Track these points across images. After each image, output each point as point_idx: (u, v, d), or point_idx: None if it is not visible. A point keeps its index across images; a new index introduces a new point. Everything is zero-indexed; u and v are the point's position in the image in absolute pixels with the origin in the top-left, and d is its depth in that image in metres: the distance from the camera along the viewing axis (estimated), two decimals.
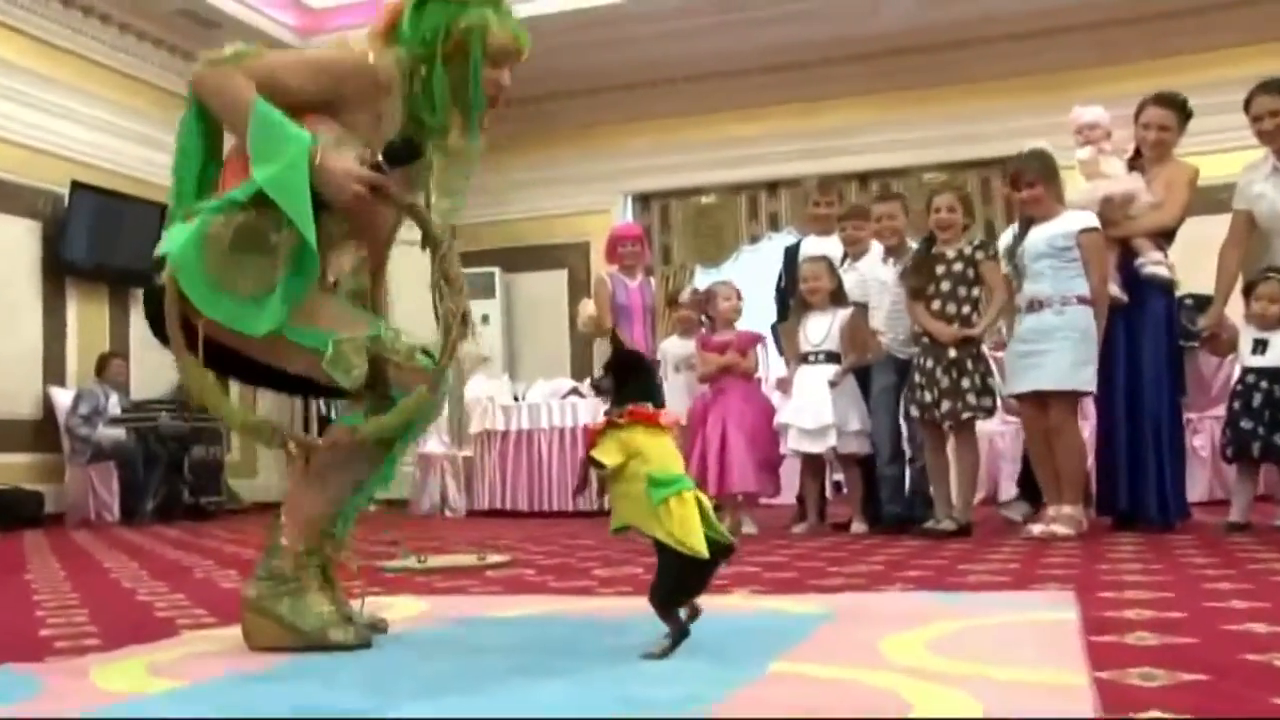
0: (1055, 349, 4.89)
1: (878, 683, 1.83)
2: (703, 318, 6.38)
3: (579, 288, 10.77)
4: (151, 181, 9.94)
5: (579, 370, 10.57)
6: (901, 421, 5.53)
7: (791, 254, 6.55)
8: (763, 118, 10.86)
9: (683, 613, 2.17)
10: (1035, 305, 4.96)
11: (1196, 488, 6.85)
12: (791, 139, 10.66)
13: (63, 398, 9.10)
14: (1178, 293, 6.69)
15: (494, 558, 4.47)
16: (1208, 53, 9.09)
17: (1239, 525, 4.82)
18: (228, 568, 4.61)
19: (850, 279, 5.82)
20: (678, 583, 2.15)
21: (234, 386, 2.75)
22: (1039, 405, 5.01)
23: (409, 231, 2.52)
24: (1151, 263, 5.06)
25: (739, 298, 6.08)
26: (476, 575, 4.00)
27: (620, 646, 2.22)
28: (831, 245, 6.13)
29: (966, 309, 5.14)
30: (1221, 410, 5.52)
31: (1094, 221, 4.93)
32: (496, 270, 11.24)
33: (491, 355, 10.93)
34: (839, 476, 6.55)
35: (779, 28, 9.95)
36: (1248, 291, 5.03)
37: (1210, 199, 5.32)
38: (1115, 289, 5.03)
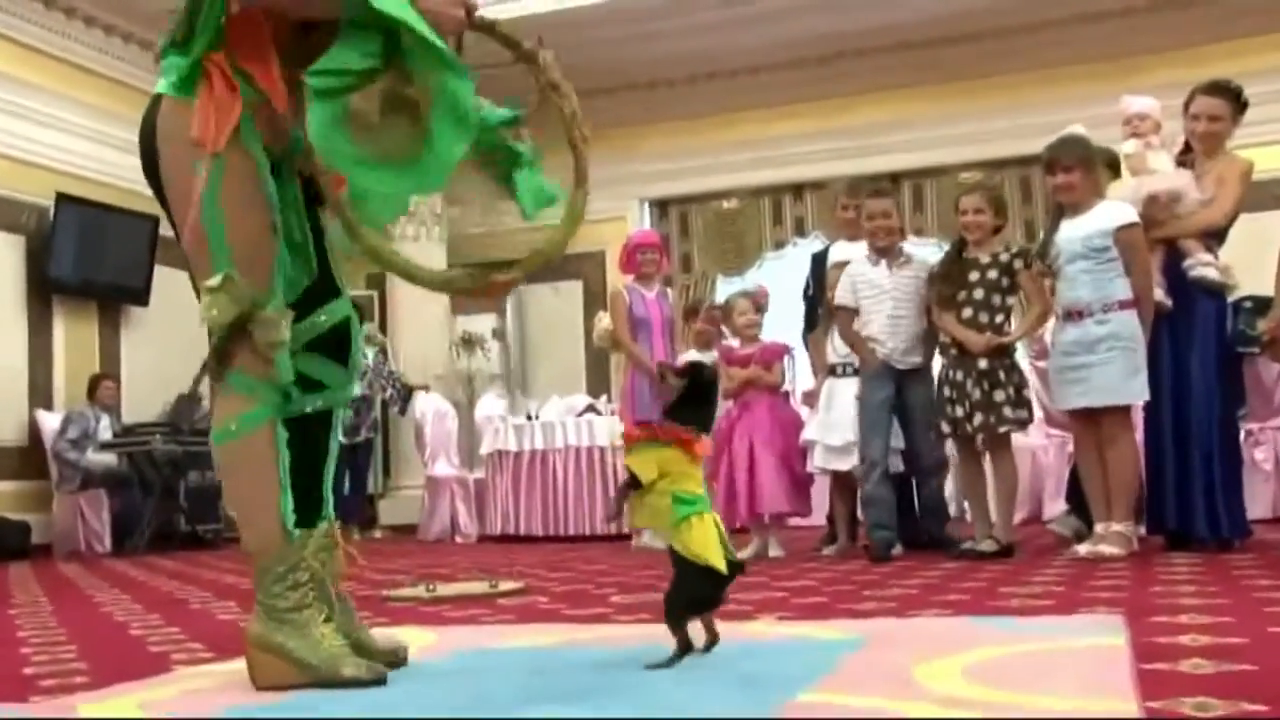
0: (1102, 361, 4.86)
1: (910, 713, 1.82)
2: (724, 330, 6.38)
3: (594, 299, 10.79)
4: (141, 193, 9.94)
5: (595, 387, 10.59)
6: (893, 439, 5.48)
7: (819, 260, 6.52)
8: (787, 117, 10.89)
9: (701, 638, 2.39)
10: (1075, 314, 4.94)
11: (1259, 503, 6.81)
12: (818, 139, 10.69)
13: (50, 422, 9.15)
14: (1236, 294, 6.68)
15: (506, 585, 4.48)
16: (1264, 36, 9.05)
17: None
18: (226, 599, 4.63)
19: (841, 282, 5.66)
20: (690, 596, 2.39)
21: None
22: (1090, 419, 5.00)
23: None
24: (1200, 264, 5.03)
25: (758, 309, 6.03)
26: (488, 604, 4.01)
27: (638, 675, 2.22)
28: (861, 250, 6.11)
29: (1000, 319, 5.14)
30: None
31: (1131, 216, 4.91)
32: None
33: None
34: None
35: (803, 21, 9.95)
36: None
37: (1269, 194, 5.28)
38: (1160, 294, 5.01)
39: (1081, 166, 4.97)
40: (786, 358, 6.01)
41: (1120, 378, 4.87)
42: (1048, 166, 5.08)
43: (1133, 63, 9.29)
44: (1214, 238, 5.15)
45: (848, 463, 5.60)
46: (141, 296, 10.06)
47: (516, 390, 10.58)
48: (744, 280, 10.81)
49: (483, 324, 11.14)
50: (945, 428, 5.21)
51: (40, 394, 9.39)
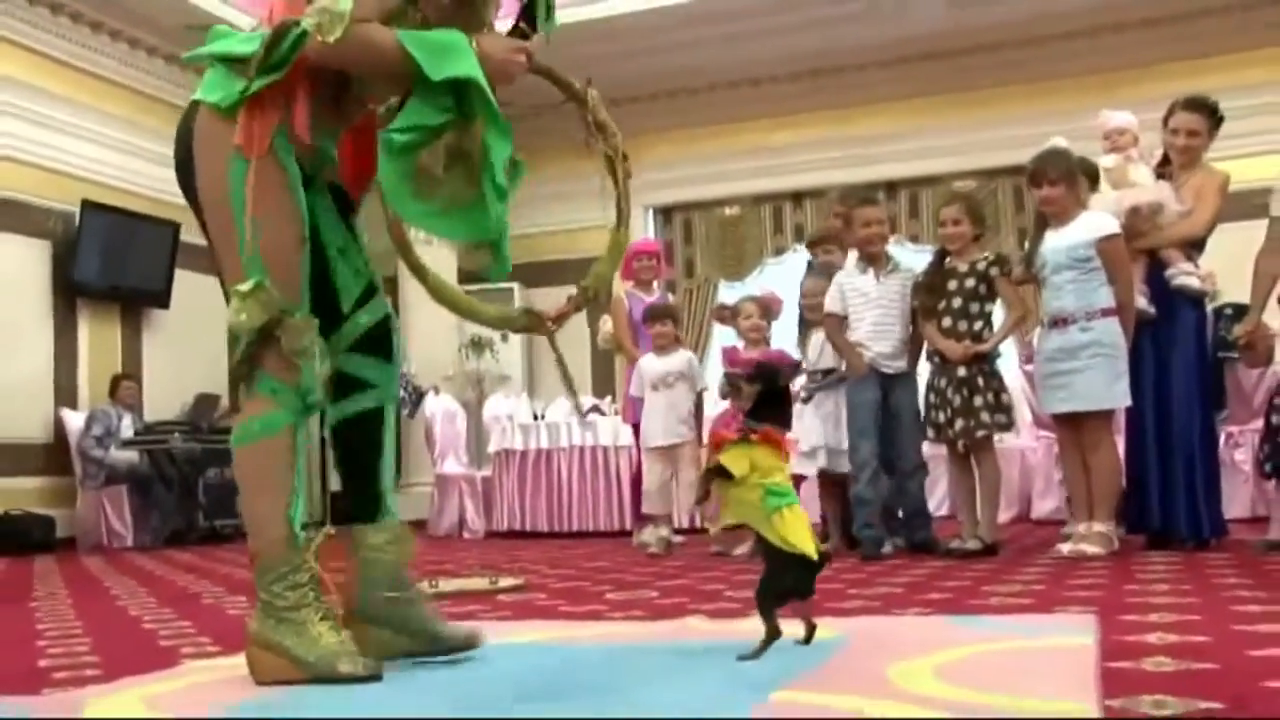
0: (1085, 367, 4.87)
1: (879, 712, 1.83)
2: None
3: (600, 303, 10.79)
4: (164, 200, 10.02)
5: (600, 387, 10.61)
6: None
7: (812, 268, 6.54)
8: (788, 126, 10.92)
9: (801, 629, 2.53)
10: (1060, 322, 4.94)
11: (1238, 503, 6.81)
12: (817, 148, 10.70)
13: (74, 420, 9.19)
14: (1219, 302, 6.69)
15: (506, 581, 4.49)
16: (1240, 54, 9.07)
17: (1277, 544, 4.79)
18: (238, 594, 4.65)
19: (831, 290, 5.61)
20: (782, 584, 2.46)
21: None
22: (1073, 423, 5.01)
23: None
24: (1181, 274, 5.04)
25: (764, 314, 6.01)
26: (487, 600, 4.02)
27: (625, 672, 2.24)
28: (855, 258, 6.11)
29: (979, 325, 5.15)
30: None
31: (1113, 227, 4.92)
32: (515, 286, 11.26)
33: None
34: None
35: (805, 34, 10.00)
36: None
37: (1250, 204, 5.28)
38: (1143, 303, 5.02)
39: (1065, 180, 4.98)
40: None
41: (1103, 384, 4.87)
42: (1032, 179, 5.09)
43: (1115, 78, 9.33)
44: (1194, 247, 5.15)
45: (809, 469, 5.55)
46: (163, 300, 10.09)
47: (524, 392, 10.54)
48: (745, 286, 10.82)
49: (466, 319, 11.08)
50: (930, 432, 5.23)
51: (65, 393, 9.43)
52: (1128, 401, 4.95)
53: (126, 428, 9.19)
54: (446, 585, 4.38)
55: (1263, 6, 9.25)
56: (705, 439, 5.99)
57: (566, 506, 8.42)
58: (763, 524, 2.46)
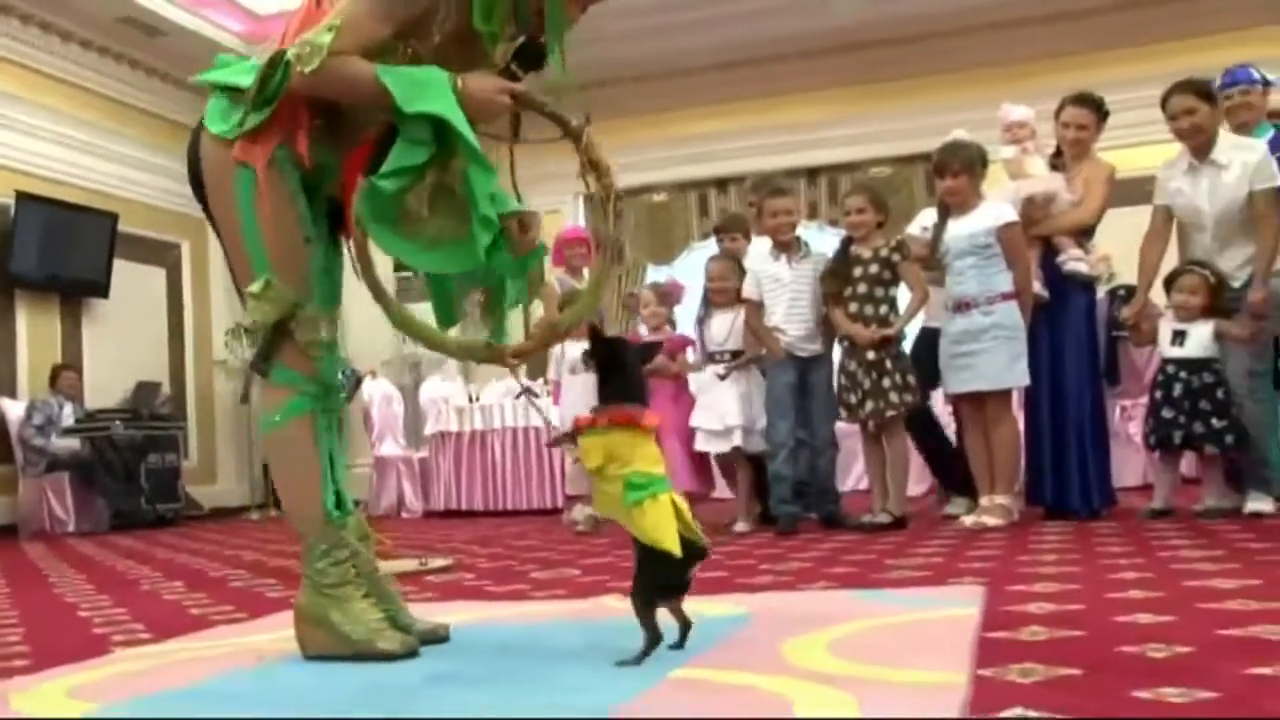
0: (987, 349, 4.98)
1: (769, 687, 1.86)
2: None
3: (531, 288, 10.77)
4: (102, 191, 9.89)
5: (533, 371, 10.59)
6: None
7: None
8: (712, 116, 10.95)
9: (676, 626, 2.23)
10: (963, 306, 5.04)
11: (1132, 473, 6.99)
12: (742, 136, 10.74)
13: (14, 409, 9.05)
14: (1114, 284, 6.85)
15: (436, 562, 4.49)
16: (1129, 49, 9.35)
17: (1161, 512, 4.94)
18: (175, 579, 4.62)
19: (748, 278, 5.67)
20: (654, 582, 2.20)
21: None
22: (976, 401, 5.11)
23: None
24: (1072, 259, 5.17)
25: (662, 301, 6.00)
26: (416, 580, 4.01)
27: (532, 655, 2.26)
28: (768, 245, 6.14)
29: (884, 309, 5.22)
30: None
31: (1012, 215, 5.03)
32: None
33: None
34: None
35: (730, 26, 10.04)
36: (1168, 284, 5.12)
37: (1142, 190, 5.40)
38: (1038, 286, 5.13)
39: (967, 171, 5.08)
40: (691, 349, 6.00)
41: (1003, 364, 4.98)
42: (937, 170, 5.18)
43: (1019, 70, 9.49)
44: (1085, 234, 5.28)
45: (724, 445, 5.56)
46: (102, 289, 9.95)
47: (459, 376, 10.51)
48: (672, 269, 10.87)
49: (427, 312, 11.05)
50: (843, 412, 5.30)
51: (4, 383, 9.27)
52: (1027, 381, 5.07)
53: (68, 416, 9.08)
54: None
55: (1149, 6, 9.52)
56: None
57: (501, 486, 8.45)
58: (625, 519, 2.20)
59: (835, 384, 5.36)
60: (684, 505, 2.22)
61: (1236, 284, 4.98)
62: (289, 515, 2.53)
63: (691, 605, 3.00)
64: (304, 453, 2.44)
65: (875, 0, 9.75)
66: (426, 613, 3.00)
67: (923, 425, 5.66)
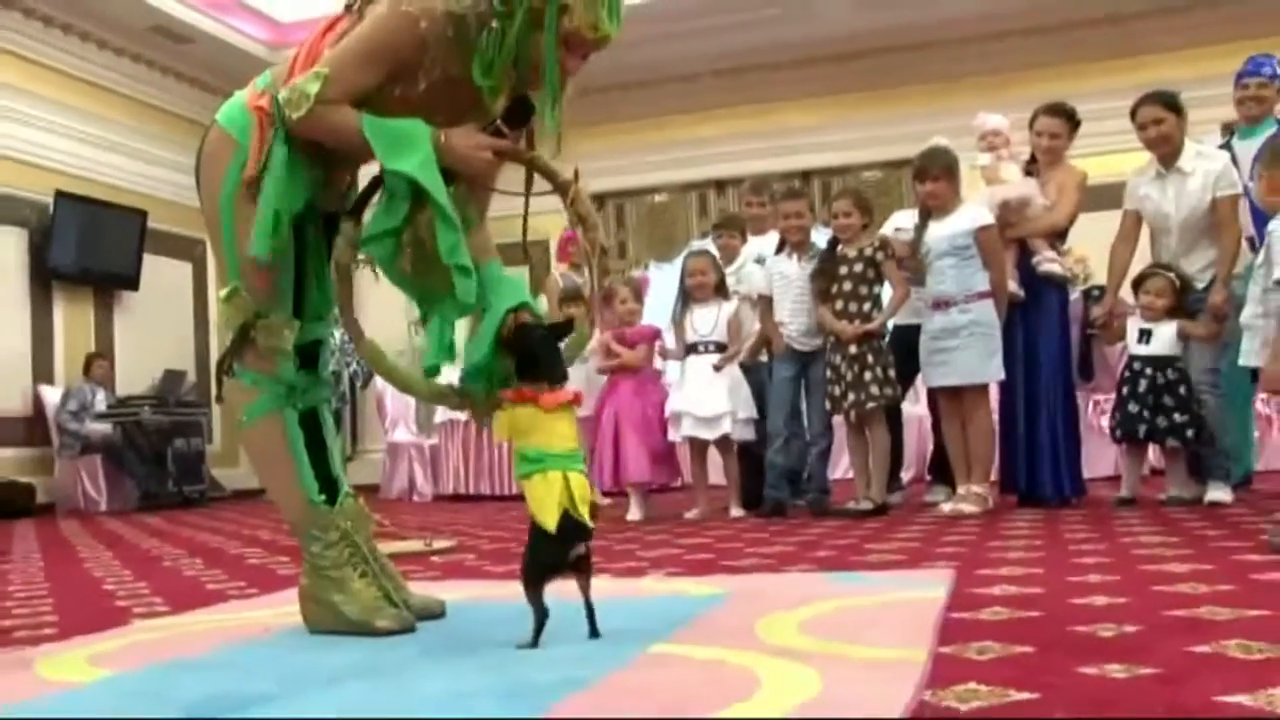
0: (964, 345, 4.98)
1: (740, 662, 1.87)
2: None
3: (539, 284, 10.79)
4: (130, 189, 9.95)
5: None
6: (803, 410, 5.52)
7: None
8: (712, 120, 10.95)
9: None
10: (941, 304, 5.05)
11: (1104, 463, 6.99)
12: (739, 140, 10.76)
13: (51, 395, 9.14)
14: (1089, 284, 6.85)
15: (440, 543, 4.50)
16: (1102, 61, 9.39)
17: (1127, 500, 4.95)
18: (195, 556, 4.66)
19: (756, 274, 5.72)
20: (535, 558, 2.14)
21: None
22: (953, 395, 5.12)
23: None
24: (1046, 260, 5.18)
25: (637, 297, 5.98)
26: (422, 561, 4.04)
27: (513, 631, 2.25)
28: (766, 242, 6.14)
29: (868, 306, 5.21)
30: None
31: (989, 218, 5.03)
32: None
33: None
34: None
35: (727, 35, 10.07)
36: (1136, 286, 5.13)
37: (1117, 195, 5.41)
38: (1014, 286, 5.14)
39: (946, 175, 5.08)
40: (657, 341, 5.94)
41: (979, 360, 4.99)
42: (917, 175, 5.18)
43: (1001, 79, 9.51)
44: (1058, 237, 5.30)
45: (714, 432, 5.51)
46: (132, 282, 10.00)
47: None
48: (673, 265, 10.86)
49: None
50: (828, 404, 5.31)
51: (43, 370, 9.36)
52: (1002, 375, 5.07)
53: (100, 402, 9.14)
54: (385, 548, 4.36)
55: (1120, 22, 9.54)
56: None
57: (507, 472, 8.44)
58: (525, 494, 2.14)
59: (825, 377, 5.36)
60: (581, 486, 2.13)
61: (1199, 286, 5.00)
62: (278, 506, 2.53)
63: (677, 584, 3.05)
64: (276, 448, 2.45)
65: (864, 13, 9.78)
66: (428, 590, 3.03)
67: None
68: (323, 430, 2.58)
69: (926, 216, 5.17)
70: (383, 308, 10.60)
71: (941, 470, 5.50)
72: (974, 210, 5.08)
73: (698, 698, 1.63)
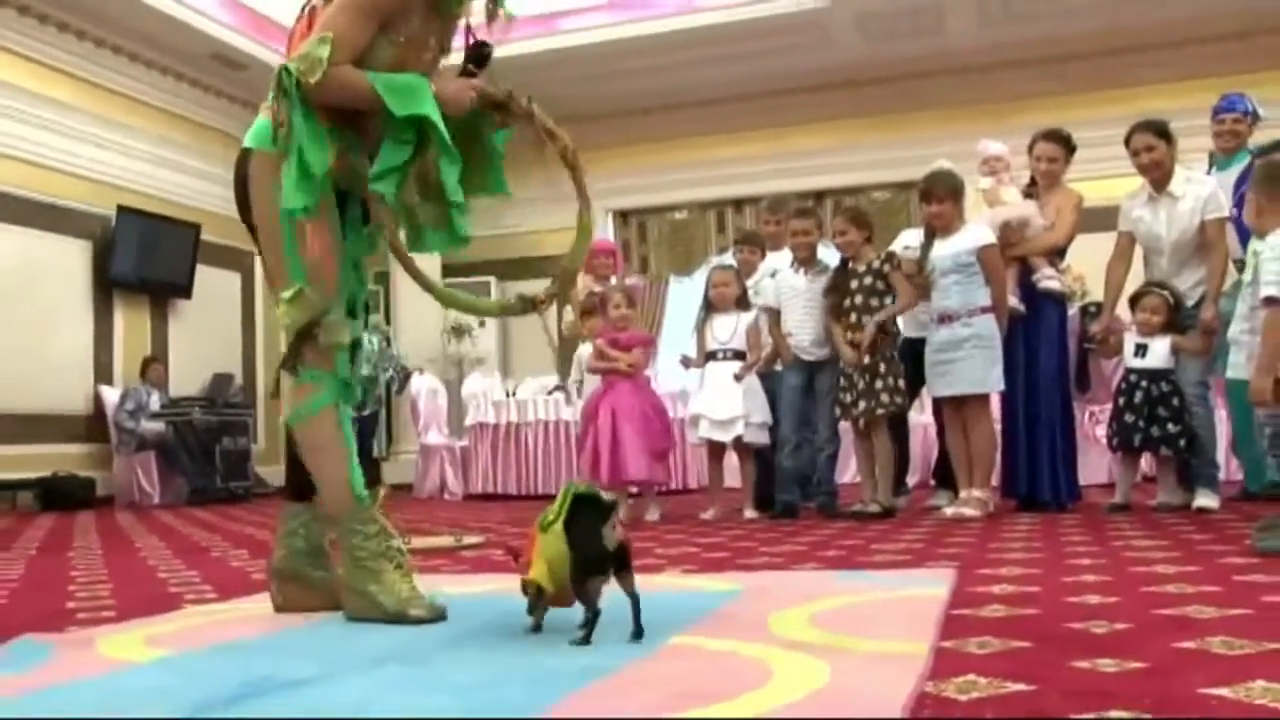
0: (967, 357, 4.97)
1: (753, 654, 1.86)
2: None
3: (566, 295, 10.84)
4: (185, 204, 10.05)
5: (564, 369, 10.67)
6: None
7: None
8: (731, 143, 10.97)
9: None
10: (946, 318, 5.04)
11: (1099, 471, 6.95)
12: (757, 161, 10.77)
13: (110, 396, 9.22)
14: (1086, 300, 6.82)
15: (469, 539, 4.49)
16: (1096, 92, 9.38)
17: (1120, 506, 4.93)
18: (241, 548, 4.68)
19: (769, 287, 5.70)
20: (574, 551, 2.06)
21: None
22: (956, 404, 5.10)
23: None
24: (1045, 278, 5.17)
25: (630, 304, 5.92)
26: (451, 555, 4.05)
27: (555, 619, 2.26)
28: (783, 257, 6.13)
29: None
30: None
31: (990, 237, 5.03)
32: (492, 279, 11.32)
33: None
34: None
35: (745, 62, 10.09)
36: (1133, 303, 5.11)
37: (1109, 218, 5.40)
38: (1014, 301, 5.13)
39: (950, 197, 5.08)
40: (650, 347, 5.93)
41: (981, 371, 4.98)
42: (923, 196, 5.18)
43: (1004, 107, 9.50)
44: (1057, 255, 5.29)
45: (729, 435, 5.49)
46: (186, 291, 10.09)
47: (498, 372, 10.56)
48: (693, 279, 10.89)
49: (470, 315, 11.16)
50: (838, 411, 5.29)
51: (103, 372, 9.46)
52: (1002, 386, 5.06)
53: (154, 403, 9.21)
54: (418, 542, 4.37)
55: (1115, 55, 9.52)
56: None
57: (532, 472, 8.48)
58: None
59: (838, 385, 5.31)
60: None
61: (1190, 303, 4.98)
62: (323, 498, 2.53)
63: (694, 580, 3.04)
64: (330, 441, 2.46)
65: (875, 43, 9.79)
66: (455, 584, 3.05)
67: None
68: (345, 423, 2.58)
69: (931, 235, 5.16)
70: (417, 316, 10.75)
71: (945, 475, 5.48)
72: (976, 230, 5.07)
73: (713, 686, 1.63)
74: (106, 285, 9.47)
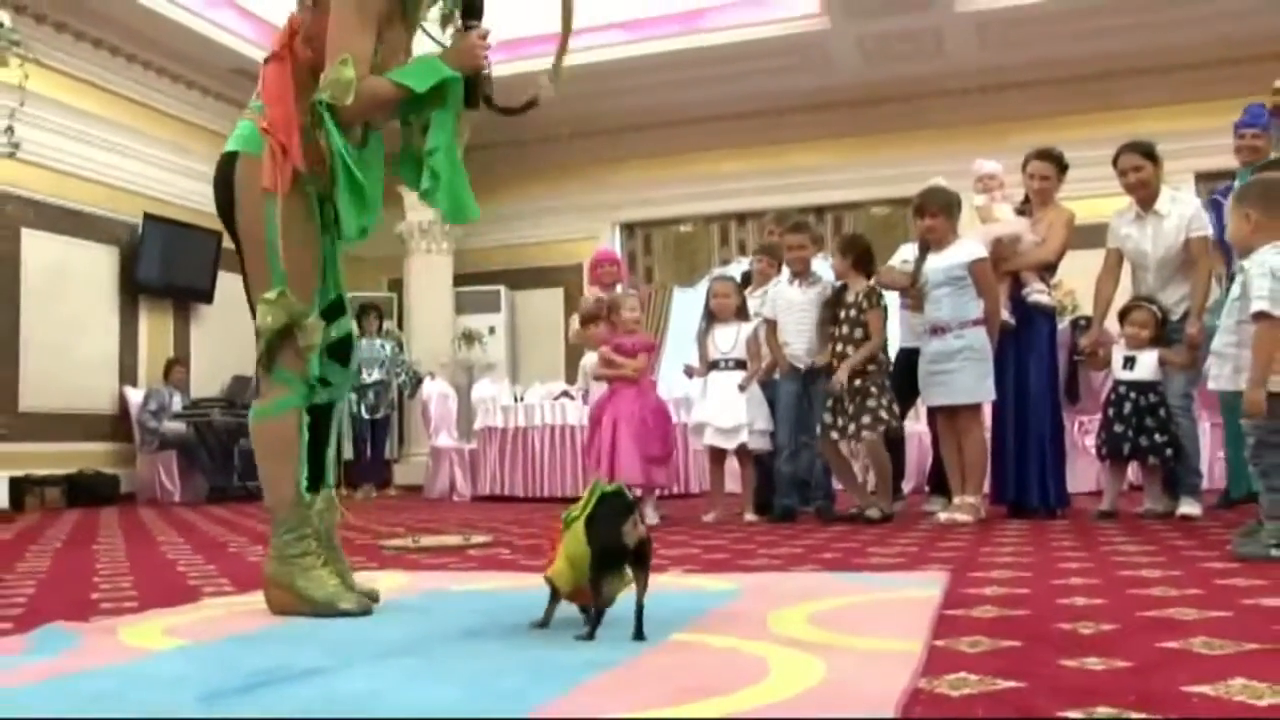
0: (960, 369, 4.96)
1: (752, 650, 1.86)
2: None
3: (573, 304, 10.82)
4: (208, 212, 10.00)
5: (571, 375, 10.67)
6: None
7: (748, 276, 6.58)
8: (734, 158, 10.96)
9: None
10: (938, 330, 5.03)
11: (1087, 479, 6.93)
12: (758, 177, 10.75)
13: (135, 396, 9.23)
14: (1077, 314, 6.81)
15: (477, 538, 4.48)
16: (1086, 114, 9.36)
17: (1108, 513, 4.92)
18: (257, 544, 4.66)
19: (765, 301, 5.69)
20: (593, 542, 2.05)
21: None
22: (949, 413, 5.10)
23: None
24: (1035, 292, 5.17)
25: (642, 309, 5.97)
26: (460, 554, 4.04)
27: (563, 617, 2.26)
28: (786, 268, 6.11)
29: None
30: None
31: (982, 252, 5.02)
32: (502, 288, 11.33)
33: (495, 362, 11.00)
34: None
35: (749, 81, 10.09)
36: (1122, 317, 5.11)
37: (1099, 235, 5.39)
38: (1005, 314, 5.12)
39: (943, 212, 5.07)
40: (653, 353, 5.91)
41: (973, 381, 4.97)
42: (917, 211, 5.17)
43: (999, 127, 9.45)
44: (1048, 270, 5.28)
45: (732, 442, 5.50)
46: (207, 296, 10.10)
47: (506, 378, 10.56)
48: (696, 290, 10.87)
49: (481, 322, 11.19)
50: (834, 434, 5.18)
51: (128, 373, 9.47)
52: (993, 396, 5.05)
53: (176, 403, 9.22)
54: (428, 541, 4.37)
55: (1106, 79, 9.50)
56: None
57: (539, 475, 8.45)
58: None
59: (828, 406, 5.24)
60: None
61: (1175, 318, 4.97)
62: (265, 493, 2.52)
63: (695, 580, 3.04)
64: (288, 441, 2.45)
65: (874, 64, 9.79)
66: (463, 581, 3.05)
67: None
68: (331, 424, 2.60)
69: (925, 249, 5.15)
70: (429, 324, 10.76)
71: (939, 482, 5.47)
72: (969, 244, 5.07)
73: (714, 681, 1.63)
74: (132, 290, 9.48)
